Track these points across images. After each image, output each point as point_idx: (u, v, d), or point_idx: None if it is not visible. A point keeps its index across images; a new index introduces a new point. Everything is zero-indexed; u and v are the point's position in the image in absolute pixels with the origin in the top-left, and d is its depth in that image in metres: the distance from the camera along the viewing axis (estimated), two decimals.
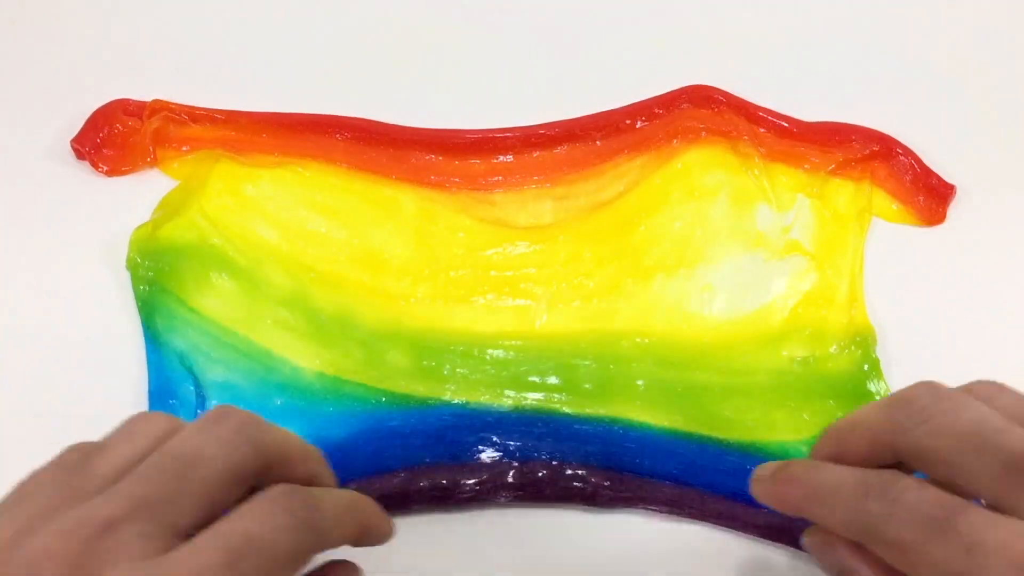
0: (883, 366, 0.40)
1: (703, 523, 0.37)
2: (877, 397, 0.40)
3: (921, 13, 0.53)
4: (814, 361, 0.41)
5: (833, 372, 0.41)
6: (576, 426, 0.39)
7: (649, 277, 0.43)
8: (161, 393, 0.39)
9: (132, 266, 0.42)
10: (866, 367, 0.40)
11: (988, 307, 0.43)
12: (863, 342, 0.41)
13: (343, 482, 0.37)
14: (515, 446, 0.38)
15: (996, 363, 0.41)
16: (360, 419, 0.39)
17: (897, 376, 0.40)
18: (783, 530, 0.36)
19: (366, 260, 0.43)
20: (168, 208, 0.44)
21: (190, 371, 0.39)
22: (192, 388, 0.39)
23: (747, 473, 0.37)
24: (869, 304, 0.42)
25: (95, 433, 0.38)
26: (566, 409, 0.40)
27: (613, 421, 0.39)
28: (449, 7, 0.53)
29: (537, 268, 0.43)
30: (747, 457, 0.38)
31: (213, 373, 0.40)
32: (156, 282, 0.41)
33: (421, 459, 0.38)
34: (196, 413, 0.39)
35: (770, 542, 0.37)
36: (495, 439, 0.38)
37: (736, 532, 0.37)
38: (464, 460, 0.38)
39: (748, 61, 0.50)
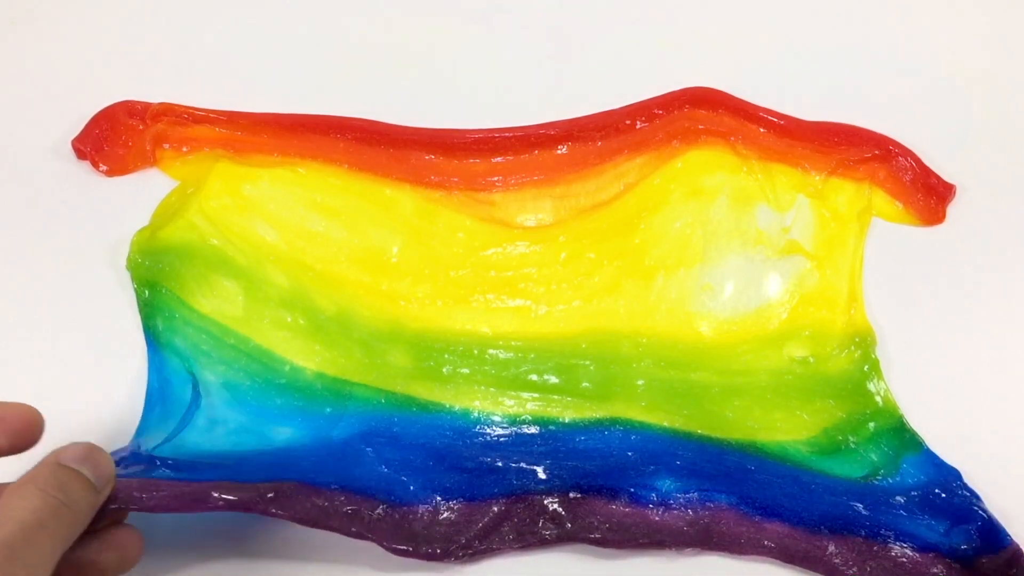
0: (883, 366, 0.40)
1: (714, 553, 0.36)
2: (877, 397, 0.40)
3: (921, 14, 0.53)
4: (815, 361, 0.41)
5: (833, 372, 0.41)
6: (578, 438, 0.39)
7: (649, 277, 0.43)
8: (157, 395, 0.39)
9: (133, 267, 0.42)
10: (866, 367, 0.40)
11: (988, 306, 0.43)
12: (863, 343, 0.41)
13: (341, 487, 0.36)
14: (515, 471, 0.37)
15: (995, 362, 0.41)
16: (361, 419, 0.39)
17: (897, 376, 0.40)
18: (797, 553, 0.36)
19: (366, 260, 0.43)
20: (166, 211, 0.44)
21: (190, 372, 0.39)
22: (189, 390, 0.39)
23: (746, 474, 0.37)
24: (869, 304, 0.42)
25: (92, 432, 0.38)
26: (566, 417, 0.39)
27: (613, 422, 0.39)
28: (449, 7, 0.53)
29: (537, 268, 0.43)
30: (746, 456, 0.38)
31: (214, 373, 0.39)
32: (157, 283, 0.41)
33: (421, 485, 0.37)
34: (187, 415, 0.38)
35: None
36: (491, 460, 0.38)
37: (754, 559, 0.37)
38: (462, 494, 0.37)
39: (748, 61, 0.51)
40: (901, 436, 0.39)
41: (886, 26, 0.52)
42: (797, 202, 0.45)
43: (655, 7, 0.53)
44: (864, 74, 0.50)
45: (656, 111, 0.47)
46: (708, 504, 0.37)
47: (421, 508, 0.36)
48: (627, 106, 0.48)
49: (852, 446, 0.39)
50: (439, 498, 0.36)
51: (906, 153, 0.46)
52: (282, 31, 0.52)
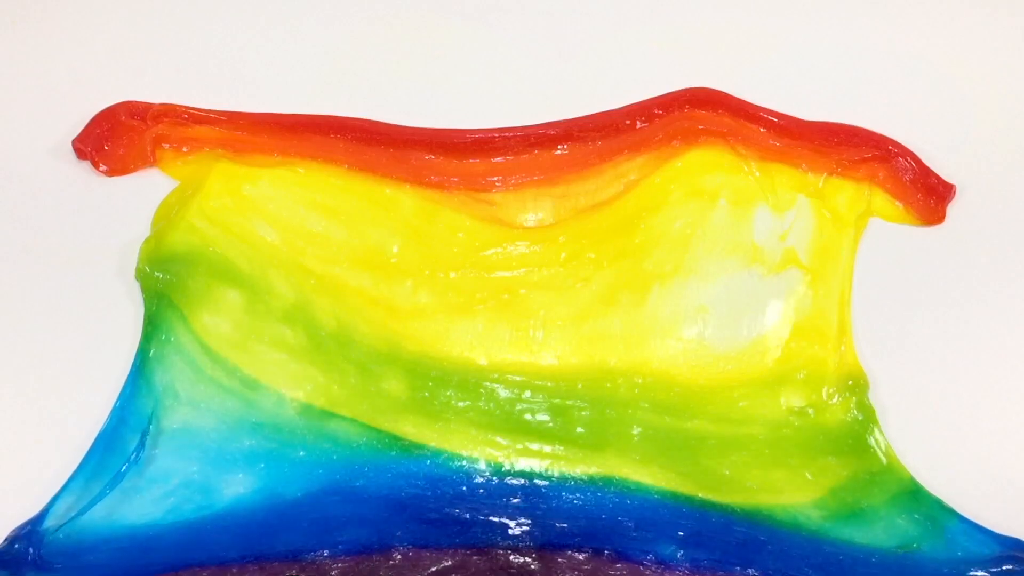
0: (882, 365, 0.40)
1: None
2: (880, 455, 0.39)
3: (921, 14, 0.53)
4: (812, 412, 0.40)
5: (831, 424, 0.40)
6: (565, 495, 0.37)
7: (646, 287, 0.43)
8: (108, 438, 0.37)
9: (142, 278, 0.41)
10: (861, 417, 0.40)
11: (988, 306, 0.43)
12: (856, 387, 0.40)
13: (279, 556, 0.34)
14: (482, 524, 0.36)
15: (996, 362, 0.41)
16: (329, 470, 0.37)
17: (898, 375, 0.40)
18: None
19: (366, 260, 0.43)
20: (166, 214, 0.44)
21: (148, 419, 0.38)
22: (138, 438, 0.37)
23: (759, 545, 0.35)
24: (868, 303, 0.43)
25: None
26: (555, 471, 0.38)
27: (607, 482, 0.38)
28: (449, 7, 0.53)
29: (537, 269, 0.43)
30: (755, 526, 0.37)
31: (178, 416, 0.38)
32: (163, 295, 0.40)
33: (371, 539, 0.35)
34: (130, 462, 0.37)
35: None
36: (459, 512, 0.36)
37: None
38: (413, 542, 0.35)
39: (748, 61, 0.50)
40: (922, 500, 0.37)
41: (886, 26, 0.52)
42: (797, 202, 0.45)
43: (655, 7, 0.53)
44: (864, 74, 0.50)
45: (656, 111, 0.47)
46: (720, 573, 0.35)
47: (352, 558, 0.34)
48: (627, 106, 0.48)
49: (868, 510, 0.37)
50: (382, 547, 0.35)
51: (906, 153, 0.46)
52: (282, 31, 0.52)
